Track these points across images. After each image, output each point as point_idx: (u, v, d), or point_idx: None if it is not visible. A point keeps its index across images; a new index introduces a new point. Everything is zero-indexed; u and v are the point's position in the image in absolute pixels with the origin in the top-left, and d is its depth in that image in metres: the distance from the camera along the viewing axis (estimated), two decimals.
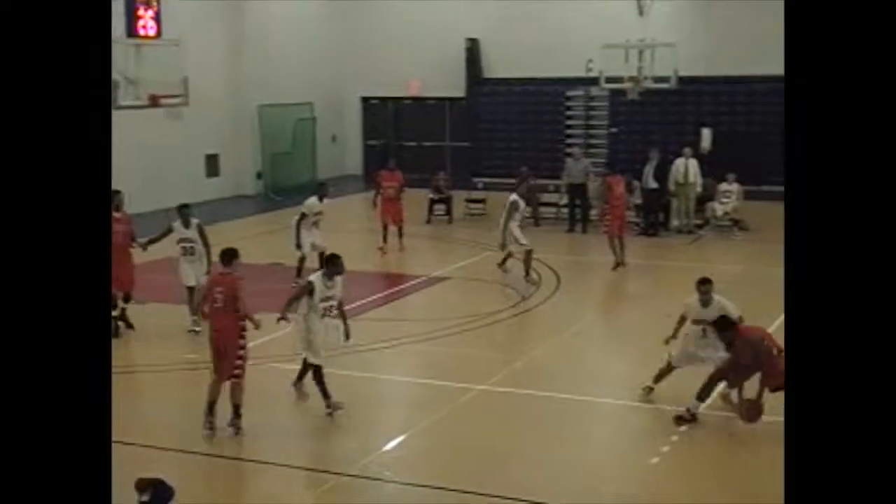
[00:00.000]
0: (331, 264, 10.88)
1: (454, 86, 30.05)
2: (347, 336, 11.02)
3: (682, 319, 11.13)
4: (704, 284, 10.95)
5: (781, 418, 9.93)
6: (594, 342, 14.23)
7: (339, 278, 10.86)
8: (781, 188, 25.45)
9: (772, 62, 25.59)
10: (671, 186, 21.81)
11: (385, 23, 30.46)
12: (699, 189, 22.06)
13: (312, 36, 29.77)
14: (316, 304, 10.66)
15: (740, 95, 27.40)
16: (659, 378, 11.25)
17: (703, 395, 10.46)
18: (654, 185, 21.53)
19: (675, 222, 22.21)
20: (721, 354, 10.59)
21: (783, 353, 9.88)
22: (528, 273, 17.46)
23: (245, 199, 27.32)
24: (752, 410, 10.16)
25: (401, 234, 20.27)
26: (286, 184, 27.50)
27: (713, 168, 22.75)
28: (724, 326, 10.32)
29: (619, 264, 18.38)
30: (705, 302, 10.87)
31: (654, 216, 21.93)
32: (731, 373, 10.32)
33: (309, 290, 10.70)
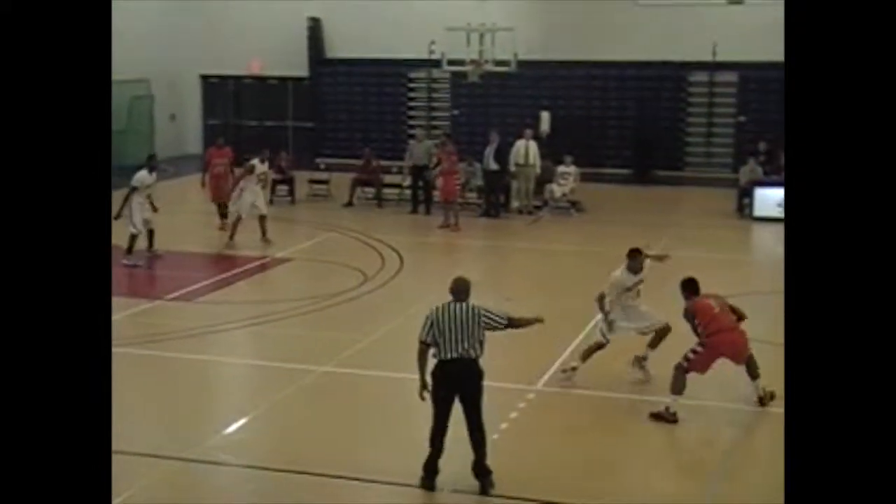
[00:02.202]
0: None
1: (297, 65, 29.69)
2: None
3: (602, 297, 11.11)
4: (637, 252, 11.01)
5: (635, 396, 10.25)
6: None
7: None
8: (616, 171, 26.09)
9: (607, 49, 26.54)
10: (512, 168, 22.19)
11: None
12: (538, 171, 22.53)
13: (149, 9, 28.84)
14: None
15: (577, 80, 28.06)
16: (587, 356, 11.16)
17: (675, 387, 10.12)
18: (494, 166, 21.85)
19: (515, 203, 22.62)
20: (648, 322, 10.82)
21: (708, 334, 10.10)
22: (264, 234, 18.44)
23: None
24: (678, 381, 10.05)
25: (225, 214, 19.57)
26: (122, 163, 26.33)
27: (551, 150, 23.28)
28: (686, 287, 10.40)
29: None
30: (635, 269, 10.92)
31: (495, 197, 22.28)
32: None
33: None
